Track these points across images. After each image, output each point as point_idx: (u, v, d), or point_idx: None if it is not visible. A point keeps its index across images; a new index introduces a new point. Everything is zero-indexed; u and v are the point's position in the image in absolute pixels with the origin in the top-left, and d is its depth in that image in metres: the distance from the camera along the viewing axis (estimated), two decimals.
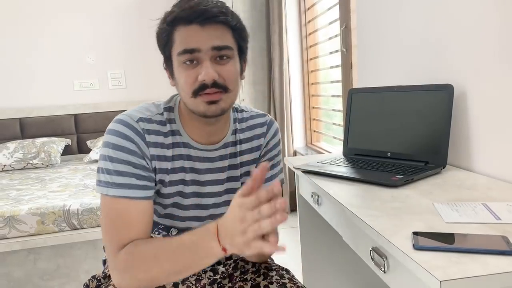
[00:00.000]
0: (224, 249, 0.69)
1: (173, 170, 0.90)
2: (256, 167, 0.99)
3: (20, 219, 1.97)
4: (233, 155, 0.96)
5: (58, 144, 3.30)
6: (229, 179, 0.96)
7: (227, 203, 0.96)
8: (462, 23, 1.15)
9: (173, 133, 0.90)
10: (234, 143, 0.97)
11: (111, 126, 0.85)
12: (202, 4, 0.80)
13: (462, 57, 1.16)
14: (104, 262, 1.08)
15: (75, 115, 3.58)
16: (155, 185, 0.88)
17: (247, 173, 0.99)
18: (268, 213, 0.62)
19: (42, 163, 3.15)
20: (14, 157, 3.13)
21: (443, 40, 1.24)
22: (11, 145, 3.20)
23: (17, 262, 1.99)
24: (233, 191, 0.96)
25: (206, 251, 0.72)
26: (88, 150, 3.48)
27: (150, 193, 0.86)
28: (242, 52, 0.89)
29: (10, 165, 3.12)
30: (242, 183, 0.98)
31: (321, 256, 1.61)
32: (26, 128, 3.50)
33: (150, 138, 0.86)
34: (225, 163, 0.95)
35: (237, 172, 0.97)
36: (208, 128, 0.91)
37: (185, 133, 0.91)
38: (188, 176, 0.91)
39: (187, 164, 0.91)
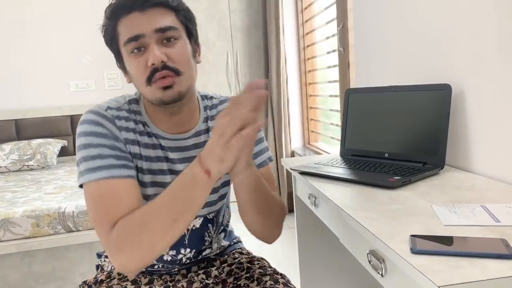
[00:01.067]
0: (207, 171, 0.68)
1: (149, 159, 0.88)
2: None
3: (15, 222, 1.96)
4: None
5: (54, 145, 3.28)
6: None
7: None
8: (460, 22, 1.13)
9: (142, 123, 0.90)
10: (207, 131, 0.95)
11: (82, 118, 0.85)
12: None
13: (460, 57, 1.15)
14: (97, 268, 1.07)
15: (72, 116, 3.56)
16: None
17: None
18: (247, 107, 0.64)
19: (38, 165, 3.13)
20: (10, 159, 3.11)
21: (440, 40, 1.23)
22: (7, 146, 3.18)
23: (13, 265, 1.97)
24: None
25: (191, 181, 0.70)
26: None
27: (132, 172, 0.83)
28: (191, 34, 0.88)
29: (5, 166, 3.09)
30: None
31: (318, 258, 1.60)
32: (22, 130, 3.47)
33: (121, 123, 0.86)
34: (200, 151, 0.94)
35: None
36: (174, 118, 0.90)
37: (152, 124, 0.90)
38: (165, 165, 0.90)
39: (161, 153, 0.90)
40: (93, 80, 3.64)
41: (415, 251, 0.64)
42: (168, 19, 0.82)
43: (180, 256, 0.97)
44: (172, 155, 0.91)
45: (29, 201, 2.17)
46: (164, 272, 0.99)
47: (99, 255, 1.08)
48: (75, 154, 3.50)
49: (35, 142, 3.25)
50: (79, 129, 0.83)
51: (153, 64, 0.79)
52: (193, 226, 0.96)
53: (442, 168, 1.14)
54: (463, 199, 0.89)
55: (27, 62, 3.52)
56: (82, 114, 3.50)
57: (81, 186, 0.82)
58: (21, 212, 1.98)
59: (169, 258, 0.96)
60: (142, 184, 0.88)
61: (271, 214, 0.90)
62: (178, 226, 0.72)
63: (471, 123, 1.13)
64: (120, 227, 0.75)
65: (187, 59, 0.84)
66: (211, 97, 1.00)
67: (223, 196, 1.01)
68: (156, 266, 0.98)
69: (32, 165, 3.13)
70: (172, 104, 0.84)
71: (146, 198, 0.89)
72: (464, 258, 0.61)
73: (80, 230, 2.02)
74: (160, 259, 0.96)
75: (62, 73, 3.58)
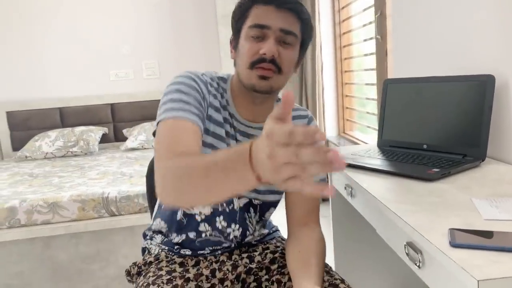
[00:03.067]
0: (259, 178, 0.58)
1: (221, 125, 0.96)
2: None
3: (63, 205, 2.07)
4: None
5: (95, 132, 3.42)
6: None
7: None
8: (504, 11, 1.10)
9: (222, 102, 0.97)
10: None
11: (179, 74, 0.93)
12: None
13: (504, 46, 1.11)
14: (143, 250, 1.13)
15: (112, 105, 3.69)
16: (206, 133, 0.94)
17: None
18: (310, 160, 0.47)
19: (81, 151, 3.28)
20: (56, 145, 3.27)
21: (484, 29, 1.19)
22: (52, 133, 3.34)
23: (61, 246, 2.10)
24: None
25: (239, 177, 0.61)
26: (124, 139, 3.58)
27: (202, 124, 0.89)
28: (303, 46, 0.96)
29: (51, 152, 3.26)
30: None
31: (353, 247, 1.61)
32: (65, 117, 3.64)
33: (211, 89, 0.95)
34: None
35: None
36: (254, 107, 0.98)
37: (233, 105, 0.98)
38: (232, 143, 0.97)
39: (231, 131, 0.98)
40: (131, 70, 3.74)
41: (454, 245, 0.64)
42: (294, 26, 0.91)
43: (229, 230, 1.01)
44: (239, 137, 0.99)
45: (75, 186, 2.29)
46: (208, 254, 1.04)
47: (145, 236, 1.13)
48: (115, 141, 3.65)
49: (78, 129, 3.40)
50: (174, 79, 0.91)
51: (264, 54, 0.87)
52: (239, 204, 1.01)
53: (483, 161, 1.12)
54: (504, 193, 0.87)
55: (70, 52, 3.66)
56: (121, 103, 3.64)
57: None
58: (68, 196, 2.09)
59: (220, 227, 1.00)
60: (204, 144, 0.95)
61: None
62: (213, 196, 0.69)
63: None
64: (170, 162, 0.75)
65: (292, 64, 0.93)
66: None
67: (280, 192, 1.05)
68: (205, 234, 1.01)
69: (76, 152, 3.28)
70: (258, 94, 0.92)
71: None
72: (504, 253, 0.61)
73: (122, 215, 2.12)
74: (213, 225, 1.00)
75: (102, 63, 3.71)
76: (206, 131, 0.95)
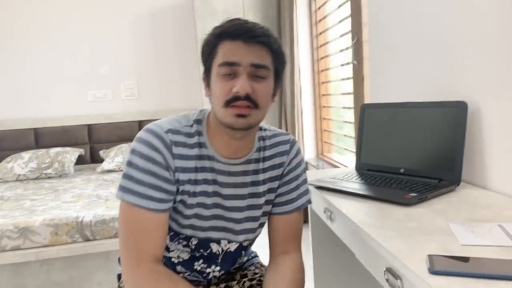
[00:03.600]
0: None
1: (196, 182, 0.91)
2: (279, 185, 1.01)
3: (34, 230, 2.00)
4: (256, 172, 0.98)
5: (71, 154, 3.35)
6: (251, 195, 0.97)
7: (248, 219, 0.98)
8: (476, 39, 1.14)
9: (199, 145, 0.92)
10: (257, 160, 0.98)
11: (141, 134, 0.88)
12: (250, 24, 0.87)
13: (476, 74, 1.15)
14: (119, 276, 1.09)
15: (89, 125, 3.63)
16: (177, 194, 0.90)
17: (270, 190, 1.00)
18: None
19: (55, 173, 3.19)
20: (29, 167, 3.17)
21: (456, 56, 1.24)
22: (26, 155, 3.25)
23: (31, 273, 2.02)
24: (255, 207, 0.98)
25: None
26: (101, 160, 3.52)
27: (166, 206, 0.88)
28: (278, 76, 0.93)
29: (24, 174, 3.16)
30: (265, 200, 0.99)
31: (333, 271, 1.60)
32: (40, 138, 3.55)
33: (177, 150, 0.89)
34: (247, 179, 0.96)
35: (259, 189, 0.98)
36: (234, 143, 0.93)
37: (211, 146, 0.93)
38: (211, 188, 0.93)
39: (210, 176, 0.93)
40: (110, 90, 3.71)
41: (433, 271, 0.65)
42: (264, 59, 0.87)
43: (209, 271, 1.01)
44: (221, 178, 0.94)
45: (48, 209, 2.21)
46: (188, 279, 1.02)
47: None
48: (91, 163, 3.58)
49: (53, 150, 3.32)
50: (136, 146, 0.87)
51: (238, 92, 0.84)
52: (228, 249, 0.99)
53: (458, 185, 1.14)
54: (480, 218, 0.89)
55: (47, 72, 3.60)
56: (98, 124, 3.59)
57: None
58: (40, 220, 2.02)
59: (199, 268, 0.99)
60: (185, 205, 0.92)
61: None
62: None
63: (487, 140, 1.13)
64: (153, 279, 0.85)
65: (267, 98, 0.90)
66: (265, 129, 1.03)
67: (262, 225, 1.04)
68: (183, 274, 1.01)
69: (50, 173, 3.19)
70: (238, 131, 0.88)
71: (186, 217, 0.93)
72: (482, 280, 0.61)
73: (97, 239, 2.06)
74: (191, 267, 0.99)
75: (80, 83, 3.66)
76: (189, 194, 0.92)
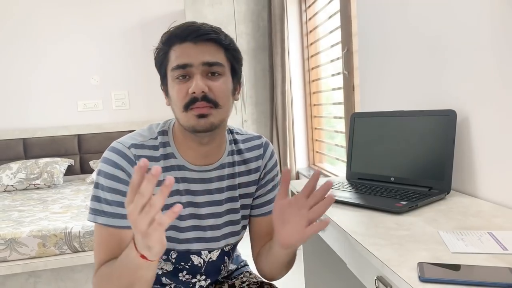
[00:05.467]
0: (142, 256, 0.70)
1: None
2: (256, 189, 1.01)
3: (21, 242, 1.96)
4: (231, 176, 0.97)
5: (61, 164, 3.31)
6: (229, 199, 0.97)
7: (228, 223, 0.97)
8: (464, 49, 1.16)
9: (166, 156, 0.91)
10: (232, 164, 0.98)
11: (105, 154, 0.88)
12: (196, 24, 0.86)
13: (464, 83, 1.17)
14: None
15: (79, 136, 3.60)
16: None
17: (246, 195, 1.00)
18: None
19: (44, 184, 3.15)
20: (17, 178, 3.13)
21: (445, 66, 1.25)
22: (14, 165, 3.21)
23: (17, 285, 1.97)
24: (234, 211, 0.98)
25: (133, 262, 0.72)
26: (90, 171, 3.48)
27: None
28: (235, 72, 0.91)
29: (12, 185, 3.12)
30: (241, 205, 0.99)
31: (324, 281, 1.59)
32: (29, 149, 3.51)
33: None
34: (223, 183, 0.96)
35: (235, 193, 0.98)
36: (202, 148, 0.91)
37: (179, 156, 0.92)
38: (184, 199, 0.92)
39: (181, 186, 0.92)
40: (100, 101, 3.69)
41: (423, 279, 0.64)
42: (217, 55, 0.86)
43: (194, 281, 0.99)
44: (194, 186, 0.93)
45: (35, 220, 2.18)
46: None
47: None
48: (81, 173, 3.54)
49: (42, 161, 3.28)
50: (101, 166, 0.87)
51: (194, 92, 0.83)
52: (210, 258, 0.98)
53: (448, 193, 1.14)
54: (470, 226, 0.89)
55: (37, 82, 3.58)
56: (88, 134, 3.56)
57: None
58: (27, 232, 1.99)
59: (184, 279, 0.97)
60: None
61: (288, 267, 0.97)
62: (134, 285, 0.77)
63: (477, 148, 1.14)
64: (97, 275, 0.85)
65: (226, 94, 0.88)
66: (237, 132, 1.02)
67: (229, 223, 1.02)
68: (168, 287, 0.99)
69: (39, 184, 3.15)
70: (202, 134, 0.87)
71: None
72: (472, 287, 0.61)
73: (85, 251, 2.03)
74: (176, 279, 0.98)
75: (70, 93, 3.64)
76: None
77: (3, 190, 3.11)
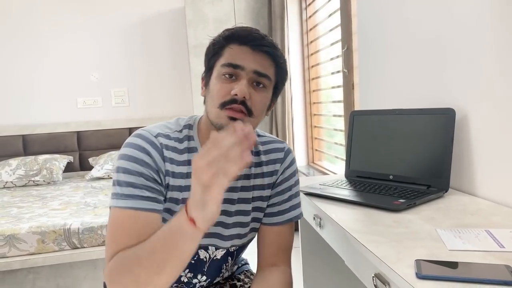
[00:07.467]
0: (192, 220, 0.66)
1: (186, 188, 0.89)
2: (271, 194, 0.99)
3: (21, 238, 1.97)
4: (247, 176, 0.97)
5: (60, 161, 3.31)
6: (241, 200, 0.96)
7: (236, 224, 0.96)
8: (464, 47, 1.16)
9: (189, 150, 0.91)
10: (249, 165, 0.97)
11: (129, 139, 0.87)
12: (260, 33, 0.88)
13: (463, 81, 1.17)
14: (105, 285, 1.07)
15: (78, 132, 3.60)
16: (165, 202, 0.88)
17: (259, 198, 0.98)
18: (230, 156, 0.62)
19: (43, 180, 3.15)
20: (16, 174, 3.13)
21: (444, 64, 1.25)
22: (14, 162, 3.21)
23: (16, 281, 1.98)
24: (244, 213, 0.96)
25: (178, 230, 0.69)
26: (90, 167, 3.49)
27: (159, 206, 0.84)
28: (276, 90, 0.93)
29: (12, 182, 3.12)
30: (253, 207, 0.98)
31: (323, 278, 1.59)
32: (29, 145, 3.51)
33: (168, 153, 0.88)
34: (238, 183, 0.95)
35: (249, 195, 0.97)
36: None
37: (201, 149, 0.91)
38: None
39: None
40: (100, 97, 3.69)
41: (420, 276, 0.64)
42: (268, 69, 0.87)
43: (195, 281, 0.98)
44: None
45: (34, 217, 2.18)
46: None
47: None
48: (80, 170, 3.54)
49: (42, 157, 3.28)
50: (125, 151, 0.85)
51: (236, 95, 0.83)
52: (215, 256, 0.97)
53: (446, 191, 1.15)
54: (467, 224, 0.90)
55: (37, 78, 3.58)
56: (88, 131, 3.56)
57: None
58: (27, 228, 1.99)
59: (186, 280, 0.97)
60: (173, 213, 0.88)
61: None
62: (164, 274, 0.72)
63: (475, 147, 1.14)
64: (116, 260, 0.77)
65: (262, 108, 0.89)
66: (259, 135, 1.02)
67: (253, 230, 1.01)
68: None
69: (38, 181, 3.15)
70: None
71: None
72: (469, 284, 0.61)
73: (84, 247, 2.03)
74: (178, 280, 0.97)
75: (70, 90, 3.64)
76: (177, 201, 0.89)
77: (2, 186, 3.11)
